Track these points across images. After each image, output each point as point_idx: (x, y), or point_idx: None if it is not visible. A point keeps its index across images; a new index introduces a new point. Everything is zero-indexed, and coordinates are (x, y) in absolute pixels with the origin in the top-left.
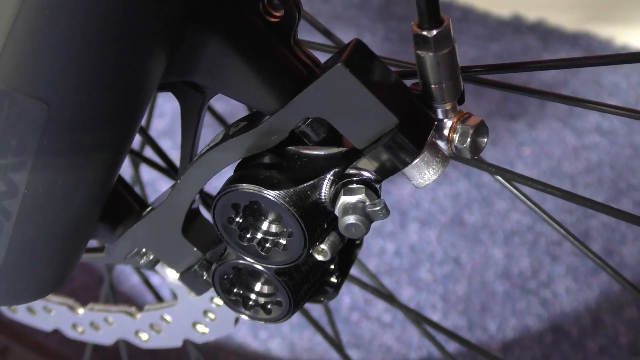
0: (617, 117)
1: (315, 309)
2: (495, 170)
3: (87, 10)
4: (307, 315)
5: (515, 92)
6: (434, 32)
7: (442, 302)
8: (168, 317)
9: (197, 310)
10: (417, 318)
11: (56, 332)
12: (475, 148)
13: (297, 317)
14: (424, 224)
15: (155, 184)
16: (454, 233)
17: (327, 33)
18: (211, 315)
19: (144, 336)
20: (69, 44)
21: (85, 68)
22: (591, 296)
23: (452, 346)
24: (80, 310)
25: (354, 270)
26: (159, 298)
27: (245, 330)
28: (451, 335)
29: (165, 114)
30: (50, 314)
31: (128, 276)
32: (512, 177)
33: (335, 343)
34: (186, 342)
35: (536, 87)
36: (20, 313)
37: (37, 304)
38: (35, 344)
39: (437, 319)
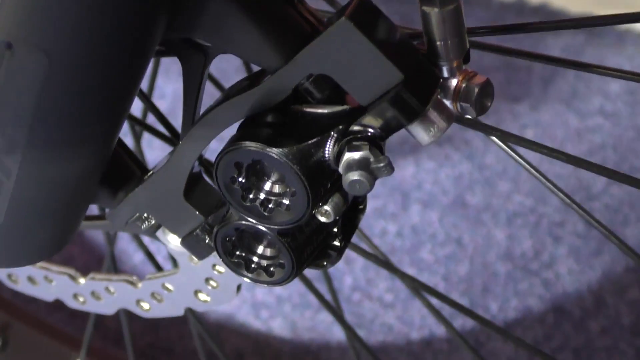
0: (621, 99)
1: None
2: (499, 134)
3: None
4: (307, 283)
5: (521, 57)
6: None
7: (443, 283)
8: (170, 286)
9: (199, 277)
10: (414, 284)
11: (58, 310)
12: (481, 107)
13: (298, 297)
14: (426, 205)
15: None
16: (456, 214)
17: (331, 1)
18: (213, 282)
19: (145, 305)
20: None
21: (85, 20)
22: (593, 277)
23: (450, 317)
24: (82, 280)
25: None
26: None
27: (247, 310)
28: (447, 300)
29: (166, 95)
30: (51, 284)
31: (130, 255)
32: (516, 141)
33: (338, 315)
34: (189, 315)
35: (538, 68)
36: (21, 283)
37: (38, 274)
38: (36, 321)
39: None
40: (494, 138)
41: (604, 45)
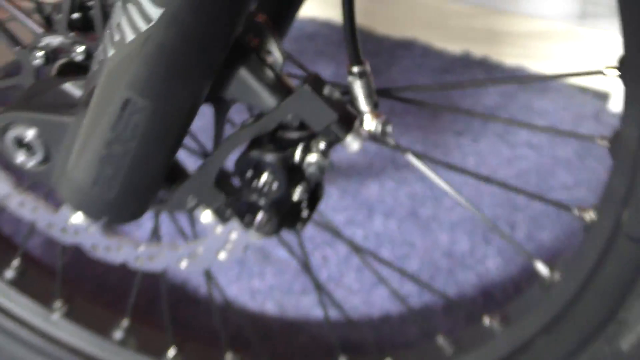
0: (543, 134)
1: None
2: (408, 151)
3: (187, 45)
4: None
5: (453, 112)
6: (356, 68)
7: (399, 275)
8: (200, 249)
9: (220, 242)
10: (360, 252)
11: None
12: (382, 132)
13: (287, 285)
14: (387, 216)
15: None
16: (411, 223)
17: (300, 66)
18: (229, 245)
19: (183, 264)
20: (175, 64)
21: (176, 79)
22: (514, 270)
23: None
24: (142, 247)
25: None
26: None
27: (246, 296)
28: (388, 264)
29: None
30: (119, 252)
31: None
32: (422, 158)
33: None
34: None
35: (480, 110)
36: (100, 250)
37: (110, 243)
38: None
39: (395, 286)
40: (410, 157)
41: (532, 91)
